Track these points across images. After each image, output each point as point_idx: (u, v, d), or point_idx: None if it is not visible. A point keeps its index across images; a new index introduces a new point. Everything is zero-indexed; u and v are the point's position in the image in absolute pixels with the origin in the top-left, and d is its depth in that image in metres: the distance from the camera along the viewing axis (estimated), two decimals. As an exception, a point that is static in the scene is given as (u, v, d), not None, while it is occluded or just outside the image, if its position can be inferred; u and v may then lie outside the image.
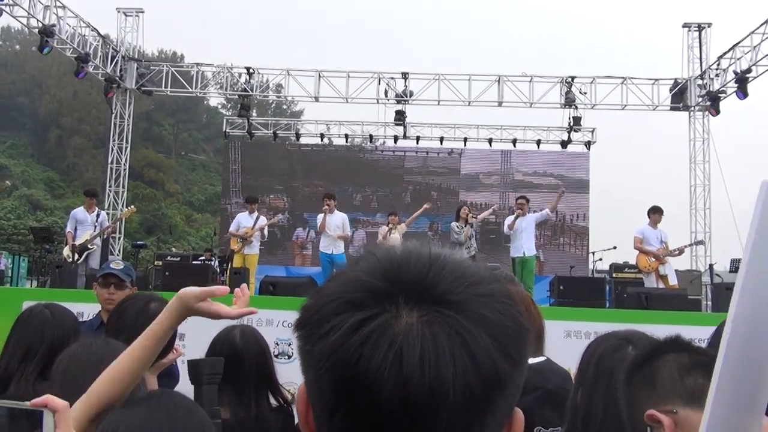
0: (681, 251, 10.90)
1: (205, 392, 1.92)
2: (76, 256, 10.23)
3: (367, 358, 0.58)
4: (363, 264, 0.66)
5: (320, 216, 11.04)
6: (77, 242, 10.36)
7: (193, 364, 1.97)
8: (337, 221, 10.92)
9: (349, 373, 0.59)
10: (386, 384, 0.58)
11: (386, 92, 16.83)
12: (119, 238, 16.25)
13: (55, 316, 2.63)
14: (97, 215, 10.72)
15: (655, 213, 10.50)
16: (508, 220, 10.74)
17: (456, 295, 0.62)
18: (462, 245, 10.66)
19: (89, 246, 10.37)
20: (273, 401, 2.64)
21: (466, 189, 18.52)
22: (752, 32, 14.08)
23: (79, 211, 10.84)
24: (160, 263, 12.02)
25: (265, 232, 11.88)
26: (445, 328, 0.60)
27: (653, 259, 10.27)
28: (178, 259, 13.90)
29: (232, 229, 11.72)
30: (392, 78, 16.84)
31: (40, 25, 13.55)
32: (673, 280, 10.38)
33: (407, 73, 16.76)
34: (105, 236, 11.20)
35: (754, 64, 14.05)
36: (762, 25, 13.67)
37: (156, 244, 22.37)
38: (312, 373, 0.63)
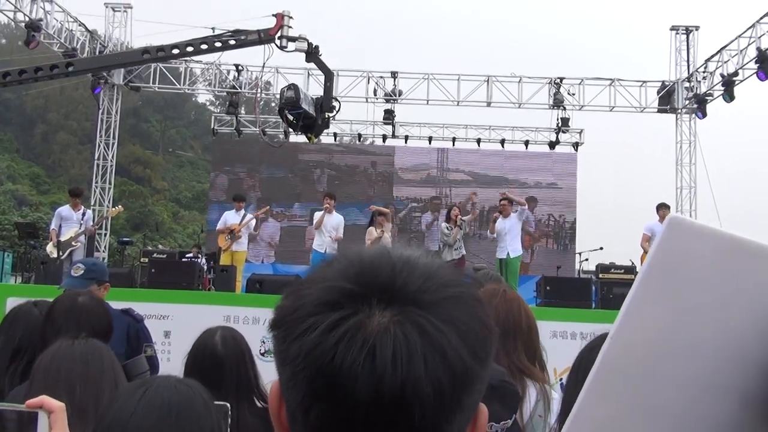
0: None
1: None
2: (60, 253, 10.16)
3: (341, 356, 0.61)
4: (336, 266, 0.68)
5: (318, 213, 11.08)
6: (62, 239, 10.29)
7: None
8: (333, 222, 10.91)
9: (324, 370, 0.61)
10: (360, 381, 0.60)
11: (375, 91, 16.84)
12: (105, 235, 16.15)
13: (43, 314, 2.61)
14: (83, 213, 10.64)
15: (663, 209, 10.64)
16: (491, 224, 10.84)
17: (427, 296, 0.65)
18: (451, 247, 10.70)
19: (73, 243, 10.31)
20: (258, 403, 2.62)
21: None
22: (739, 36, 14.19)
23: (65, 209, 10.74)
24: (147, 260, 11.93)
25: (252, 224, 11.82)
26: (416, 327, 0.62)
27: None
28: (165, 256, 13.82)
29: (219, 226, 11.66)
30: (381, 77, 16.85)
31: (27, 19, 13.44)
32: None
33: (396, 73, 16.77)
34: (89, 235, 11.12)
35: (740, 68, 14.16)
36: (749, 28, 13.78)
37: (142, 241, 22.18)
38: (288, 371, 0.65)
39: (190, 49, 7.62)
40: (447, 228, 10.83)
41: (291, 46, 7.56)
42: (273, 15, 8.23)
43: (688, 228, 0.73)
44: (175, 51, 7.61)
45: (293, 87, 7.15)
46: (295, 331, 0.64)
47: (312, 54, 7.48)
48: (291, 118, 7.08)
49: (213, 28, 9.42)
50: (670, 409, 0.74)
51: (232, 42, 8.08)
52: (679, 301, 0.73)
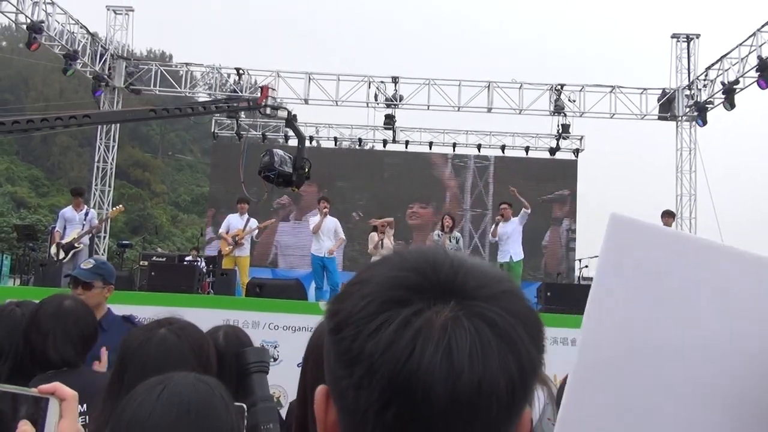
0: None
1: (256, 381, 1.98)
2: (63, 254, 10.14)
3: (419, 353, 0.61)
4: (394, 263, 0.68)
5: (315, 218, 11.01)
6: (65, 240, 10.28)
7: (237, 355, 1.97)
8: (330, 225, 10.87)
9: (402, 368, 0.61)
10: (438, 378, 0.60)
11: (376, 96, 16.83)
12: (104, 238, 16.14)
13: (26, 315, 2.59)
14: (86, 213, 10.64)
15: (667, 216, 10.66)
16: (492, 227, 10.85)
17: (486, 291, 0.65)
18: None
19: (76, 245, 10.29)
20: None
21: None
22: (740, 44, 14.22)
23: (68, 210, 10.74)
24: (146, 263, 11.89)
25: (255, 233, 11.83)
26: (486, 321, 0.63)
27: None
28: (164, 259, 13.78)
29: (222, 230, 11.60)
30: (382, 82, 16.85)
31: (29, 21, 13.44)
32: None
33: (397, 78, 16.77)
34: (92, 235, 11.12)
35: (741, 76, 14.18)
36: (749, 37, 13.80)
37: (141, 244, 22.16)
38: (360, 370, 0.63)
39: (189, 110, 8.96)
40: (437, 235, 10.92)
41: (274, 112, 9.08)
42: (260, 87, 10.61)
43: (629, 225, 0.75)
44: (177, 111, 8.74)
45: (269, 152, 8.16)
46: (367, 329, 0.63)
47: (289, 121, 8.71)
48: (270, 177, 8.12)
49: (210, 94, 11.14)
50: (644, 407, 0.75)
51: (226, 107, 10.08)
52: (632, 298, 0.75)
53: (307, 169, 8.39)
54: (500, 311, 0.64)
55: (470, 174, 18.78)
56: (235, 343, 2.53)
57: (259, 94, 9.40)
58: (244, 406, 1.54)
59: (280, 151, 8.37)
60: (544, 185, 18.21)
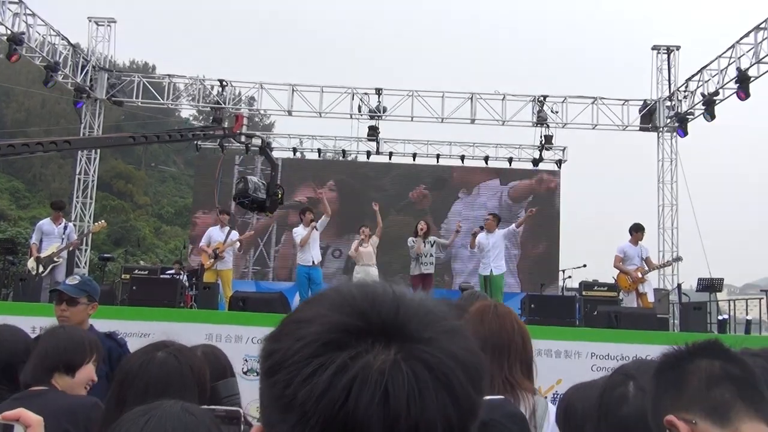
0: (664, 266, 11.18)
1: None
2: (41, 269, 10.00)
3: (354, 399, 0.59)
4: (331, 302, 0.66)
5: (300, 230, 10.85)
6: (43, 254, 10.12)
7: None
8: (314, 234, 10.79)
9: (338, 413, 0.59)
10: (375, 423, 0.59)
11: (360, 108, 16.84)
12: (86, 250, 15.98)
13: (5, 337, 2.57)
14: (65, 227, 10.46)
15: (637, 231, 10.64)
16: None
17: (426, 333, 0.64)
18: (416, 259, 10.77)
19: (55, 259, 10.13)
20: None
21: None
22: (719, 56, 14.39)
23: (45, 223, 10.55)
24: (128, 277, 11.79)
25: (236, 246, 11.76)
26: (423, 364, 0.62)
27: (631, 280, 10.38)
28: (146, 272, 13.68)
29: (202, 243, 11.51)
30: (366, 93, 16.86)
31: (9, 32, 13.33)
32: (651, 298, 10.52)
33: (381, 89, 16.80)
34: (71, 249, 10.96)
35: (721, 87, 14.34)
36: (728, 49, 13.97)
37: (124, 257, 22.00)
38: (294, 417, 0.61)
39: (167, 137, 9.28)
40: (411, 241, 10.94)
41: (248, 139, 9.24)
42: (235, 115, 10.70)
43: None
44: (155, 138, 9.10)
45: (243, 180, 8.47)
46: (301, 374, 0.61)
47: (263, 149, 9.04)
48: (245, 203, 8.48)
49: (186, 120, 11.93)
50: None
51: (202, 135, 10.76)
52: None
53: (280, 195, 8.69)
54: (439, 354, 0.63)
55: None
56: (214, 363, 2.50)
57: (234, 122, 9.75)
58: (240, 410, 1.52)
59: (254, 178, 8.63)
60: (526, 196, 18.32)
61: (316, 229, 10.67)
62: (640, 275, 10.34)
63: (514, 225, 11.18)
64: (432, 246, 10.94)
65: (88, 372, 2.54)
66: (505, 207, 18.11)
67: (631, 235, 10.60)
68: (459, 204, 18.59)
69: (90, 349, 2.58)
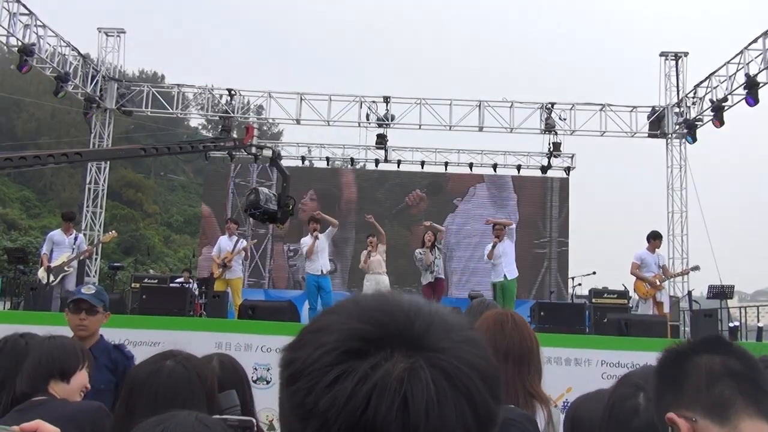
0: (681, 275, 11.20)
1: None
2: (51, 278, 10.05)
3: (374, 407, 0.60)
4: (349, 312, 0.67)
5: (306, 239, 10.89)
6: (53, 264, 10.17)
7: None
8: (322, 244, 10.81)
9: (359, 421, 0.60)
10: (394, 431, 0.60)
11: (368, 116, 16.85)
12: (96, 260, 16.04)
13: (30, 347, 2.57)
14: (75, 238, 10.53)
15: (655, 239, 10.56)
16: (487, 249, 10.73)
17: (443, 342, 0.65)
18: (426, 269, 10.79)
19: (65, 268, 10.19)
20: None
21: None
22: (728, 62, 14.34)
23: (56, 233, 10.61)
24: (138, 286, 11.84)
25: (246, 253, 11.82)
26: (442, 373, 0.62)
27: (649, 286, 10.30)
28: (156, 281, 13.72)
29: (213, 254, 11.63)
30: (374, 102, 16.89)
31: (20, 43, 13.44)
32: (666, 308, 10.43)
33: (389, 97, 16.82)
34: (81, 259, 11.02)
35: (729, 93, 14.28)
36: (737, 55, 13.93)
37: (133, 266, 22.05)
38: (315, 424, 0.62)
39: (178, 149, 9.16)
40: (419, 253, 10.96)
41: (260, 150, 9.38)
42: (245, 126, 10.54)
43: None
44: (166, 150, 8.98)
45: (254, 191, 8.45)
46: (323, 382, 0.62)
47: (274, 160, 9.00)
48: (256, 215, 8.45)
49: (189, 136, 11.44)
50: None
51: (213, 146, 10.56)
52: None
53: (291, 207, 8.64)
54: (457, 362, 0.63)
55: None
56: (231, 372, 2.52)
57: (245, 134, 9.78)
58: (254, 420, 1.52)
59: (265, 189, 8.61)
60: (537, 203, 18.30)
61: (318, 239, 10.69)
62: (658, 282, 10.28)
63: (513, 225, 11.21)
64: (439, 252, 11.03)
65: (82, 378, 2.55)
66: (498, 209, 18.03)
67: (648, 242, 10.53)
68: (457, 212, 18.57)
69: (82, 356, 2.59)
